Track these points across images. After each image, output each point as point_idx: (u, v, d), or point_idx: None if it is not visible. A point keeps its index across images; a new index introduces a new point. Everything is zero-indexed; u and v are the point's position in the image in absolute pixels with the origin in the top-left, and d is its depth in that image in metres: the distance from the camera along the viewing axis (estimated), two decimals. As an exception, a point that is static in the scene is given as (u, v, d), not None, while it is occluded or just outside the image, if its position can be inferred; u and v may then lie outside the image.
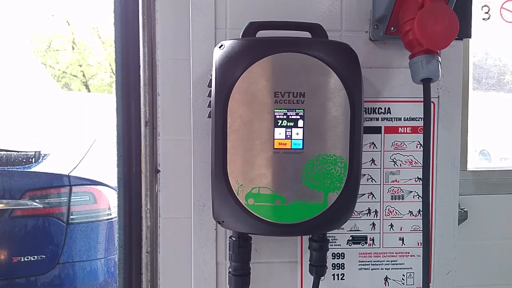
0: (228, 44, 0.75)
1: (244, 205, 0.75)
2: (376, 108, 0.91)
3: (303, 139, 0.74)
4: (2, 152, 2.28)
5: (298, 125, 0.74)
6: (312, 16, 0.89)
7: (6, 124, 2.61)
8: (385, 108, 0.91)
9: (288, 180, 0.75)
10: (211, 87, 0.76)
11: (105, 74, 10.95)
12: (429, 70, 0.75)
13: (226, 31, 0.88)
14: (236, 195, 0.75)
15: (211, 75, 0.78)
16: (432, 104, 0.91)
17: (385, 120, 0.91)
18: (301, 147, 0.74)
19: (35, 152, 2.32)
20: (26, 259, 2.12)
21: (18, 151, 2.30)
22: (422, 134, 0.91)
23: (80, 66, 10.56)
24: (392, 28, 0.84)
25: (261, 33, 0.82)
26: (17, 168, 2.19)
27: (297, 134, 0.74)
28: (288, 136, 0.74)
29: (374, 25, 0.88)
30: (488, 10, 1.31)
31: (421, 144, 0.92)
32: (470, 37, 0.91)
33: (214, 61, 0.75)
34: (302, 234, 0.85)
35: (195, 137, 0.89)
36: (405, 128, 0.92)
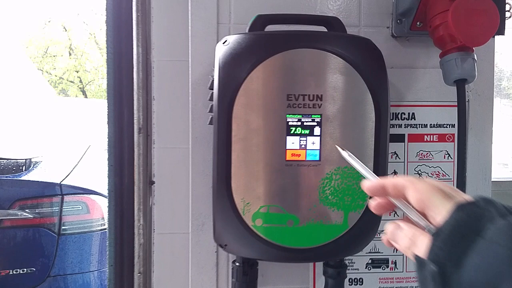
0: (233, 39, 0.68)
1: (250, 226, 0.68)
2: (398, 113, 0.85)
3: (320, 150, 0.67)
4: (-8, 160, 2.29)
5: (315, 133, 0.67)
6: (327, 9, 0.84)
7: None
8: (408, 113, 0.86)
9: (303, 198, 0.68)
10: (213, 89, 0.70)
11: (102, 80, 11.14)
12: (464, 70, 0.70)
13: (230, 26, 0.83)
14: (242, 215, 0.68)
15: (212, 76, 0.71)
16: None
17: (408, 127, 0.86)
18: (318, 159, 0.67)
19: (25, 159, 2.31)
20: (15, 272, 2.08)
21: (8, 159, 2.29)
22: (450, 143, 0.86)
23: (77, 72, 10.83)
24: (418, 23, 0.79)
25: (270, 28, 0.76)
26: (6, 177, 2.17)
27: (313, 143, 0.67)
28: (303, 146, 0.67)
29: (397, 20, 0.83)
30: (510, 8, 1.26)
31: (449, 154, 0.86)
32: (503, 34, 0.86)
33: (217, 59, 0.68)
34: (318, 260, 0.78)
35: (194, 146, 0.83)
36: (431, 136, 0.86)
